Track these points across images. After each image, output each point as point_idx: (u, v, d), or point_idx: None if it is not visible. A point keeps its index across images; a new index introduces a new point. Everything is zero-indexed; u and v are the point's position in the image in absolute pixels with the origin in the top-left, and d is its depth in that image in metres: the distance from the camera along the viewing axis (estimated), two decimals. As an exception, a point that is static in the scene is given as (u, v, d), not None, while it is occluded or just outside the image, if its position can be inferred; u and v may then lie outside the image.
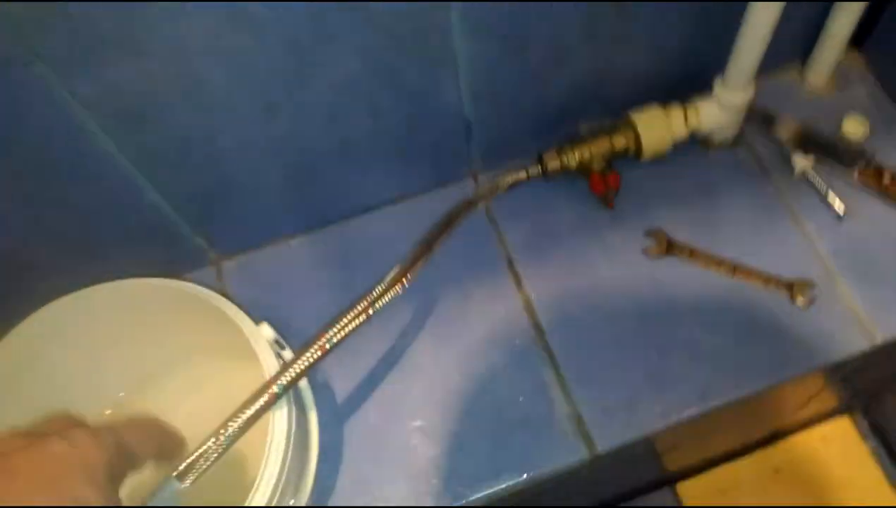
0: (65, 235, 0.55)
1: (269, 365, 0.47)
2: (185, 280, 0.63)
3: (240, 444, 0.42)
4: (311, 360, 0.44)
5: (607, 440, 0.56)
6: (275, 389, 0.43)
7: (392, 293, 0.46)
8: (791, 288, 0.59)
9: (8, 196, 0.49)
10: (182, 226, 0.59)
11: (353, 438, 0.58)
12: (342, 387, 0.59)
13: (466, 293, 0.62)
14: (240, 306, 0.50)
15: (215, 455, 0.40)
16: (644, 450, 0.62)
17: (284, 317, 0.58)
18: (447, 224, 0.53)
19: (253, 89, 0.49)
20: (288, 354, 0.52)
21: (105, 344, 0.53)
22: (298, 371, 0.44)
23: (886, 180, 0.62)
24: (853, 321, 0.59)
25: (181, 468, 0.40)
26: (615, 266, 0.62)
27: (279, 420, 0.45)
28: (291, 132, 0.53)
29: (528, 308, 0.61)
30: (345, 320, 0.45)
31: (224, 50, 0.45)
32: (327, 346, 0.44)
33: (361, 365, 0.60)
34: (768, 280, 0.59)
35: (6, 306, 0.50)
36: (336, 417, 0.58)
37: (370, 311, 0.45)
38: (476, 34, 0.51)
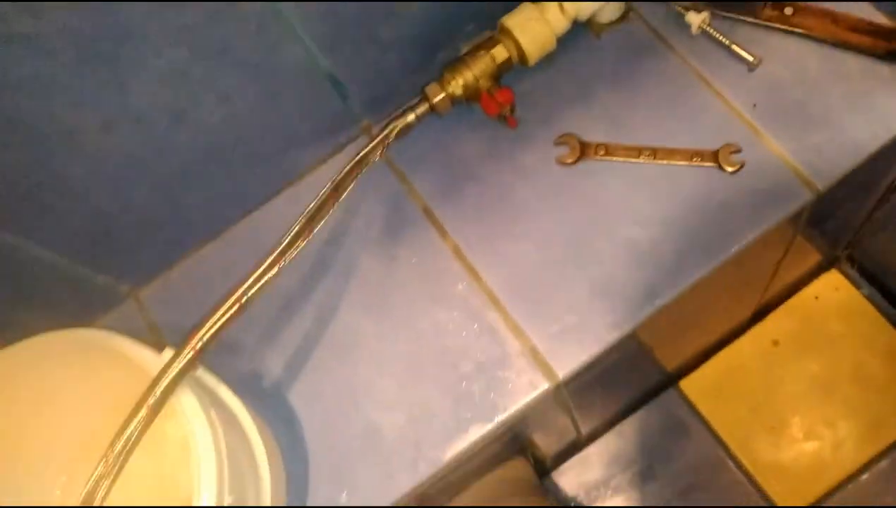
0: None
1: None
2: (102, 321, 0.61)
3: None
4: (185, 361, 0.41)
5: (566, 365, 0.53)
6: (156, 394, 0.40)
7: (268, 276, 0.43)
8: (716, 156, 0.55)
9: None
10: (79, 269, 0.55)
11: (312, 433, 0.55)
12: (286, 383, 0.56)
13: (392, 255, 0.58)
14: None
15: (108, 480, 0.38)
16: (616, 362, 0.59)
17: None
18: (335, 191, 0.49)
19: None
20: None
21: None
22: (175, 374, 0.41)
23: (789, 12, 0.57)
24: (789, 173, 0.55)
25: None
26: (532, 185, 0.58)
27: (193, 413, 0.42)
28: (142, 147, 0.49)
29: (458, 254, 0.57)
30: (216, 316, 0.42)
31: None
32: (198, 346, 0.41)
33: (298, 357, 0.57)
34: (692, 155, 0.56)
35: None
36: (290, 416, 0.55)
37: (243, 301, 0.42)
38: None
